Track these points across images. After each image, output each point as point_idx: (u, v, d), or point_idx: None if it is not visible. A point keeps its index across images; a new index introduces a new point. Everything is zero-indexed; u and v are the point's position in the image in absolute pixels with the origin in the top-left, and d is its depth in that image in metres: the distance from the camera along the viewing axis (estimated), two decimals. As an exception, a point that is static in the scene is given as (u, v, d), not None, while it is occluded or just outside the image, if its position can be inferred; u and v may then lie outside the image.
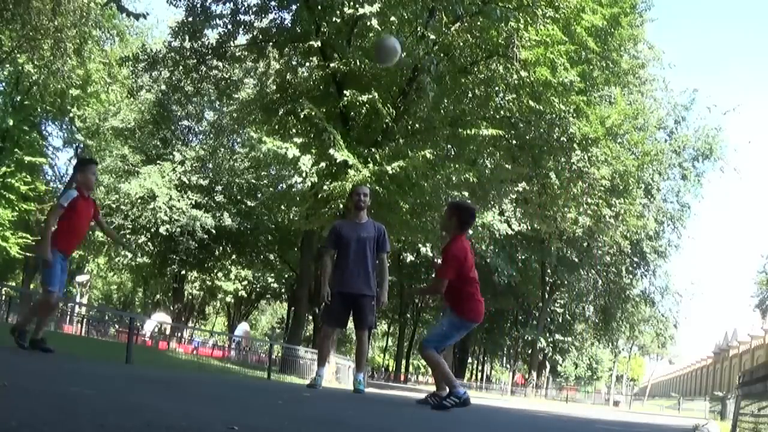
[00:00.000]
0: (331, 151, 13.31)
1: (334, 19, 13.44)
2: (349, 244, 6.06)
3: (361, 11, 12.59)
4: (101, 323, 28.70)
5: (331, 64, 14.26)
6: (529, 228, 24.62)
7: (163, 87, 21.61)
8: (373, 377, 37.18)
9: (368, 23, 13.01)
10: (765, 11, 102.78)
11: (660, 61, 25.15)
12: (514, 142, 16.51)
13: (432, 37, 12.65)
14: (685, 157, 28.30)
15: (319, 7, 13.27)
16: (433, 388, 5.61)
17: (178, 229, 25.91)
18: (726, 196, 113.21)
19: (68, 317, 27.17)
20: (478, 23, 13.54)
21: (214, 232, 26.67)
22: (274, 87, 17.78)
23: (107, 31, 24.38)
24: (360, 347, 6.33)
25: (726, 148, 28.04)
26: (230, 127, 26.10)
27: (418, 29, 12.65)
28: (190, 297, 35.84)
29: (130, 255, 27.61)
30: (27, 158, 25.48)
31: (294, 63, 17.15)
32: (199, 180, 27.24)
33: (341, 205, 14.36)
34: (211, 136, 28.68)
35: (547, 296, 34.97)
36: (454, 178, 14.94)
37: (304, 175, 14.24)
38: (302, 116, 16.00)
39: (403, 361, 44.01)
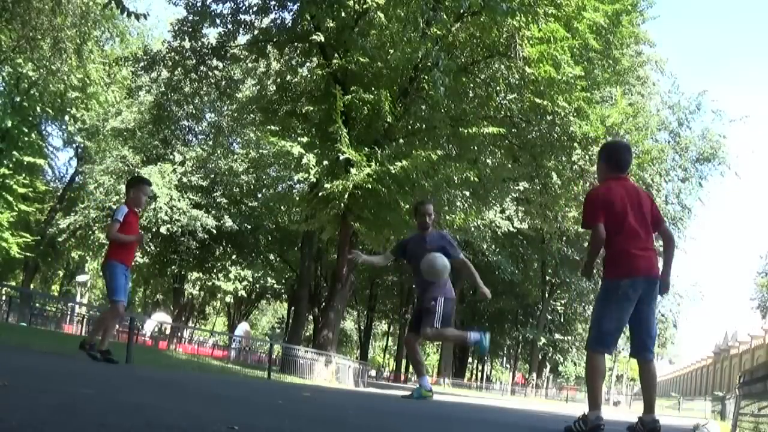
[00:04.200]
0: (338, 146, 13.33)
1: (337, 14, 13.43)
2: (418, 259, 6.25)
3: (366, 4, 12.61)
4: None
5: (333, 61, 14.27)
6: (530, 227, 24.65)
7: (163, 88, 21.61)
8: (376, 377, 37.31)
9: (373, 17, 13.00)
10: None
11: (662, 68, 25.13)
12: (514, 141, 16.50)
13: (436, 31, 12.64)
14: (688, 158, 28.24)
15: (325, 4, 13.24)
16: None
17: (179, 229, 25.90)
18: (726, 196, 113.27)
19: (68, 317, 27.20)
20: (480, 21, 13.54)
21: (214, 232, 26.68)
22: (274, 87, 17.79)
23: (107, 31, 24.38)
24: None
25: (728, 153, 27.98)
26: (230, 127, 26.15)
27: (421, 25, 12.64)
28: (190, 297, 35.82)
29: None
30: (26, 159, 25.50)
31: (294, 63, 17.15)
32: (199, 181, 27.24)
33: (342, 205, 14.38)
34: (211, 136, 28.71)
35: (547, 296, 34.99)
36: (455, 178, 14.94)
37: (308, 172, 14.25)
38: (304, 116, 16.04)
39: (404, 361, 43.99)
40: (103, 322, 6.42)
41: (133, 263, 6.53)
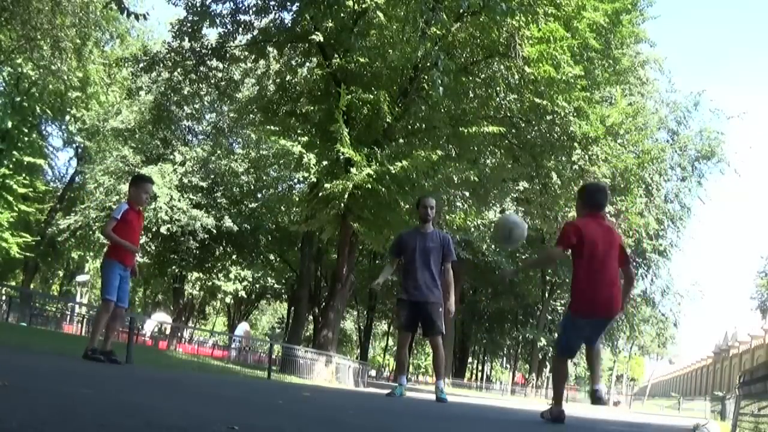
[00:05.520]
0: (338, 146, 13.33)
1: (336, 15, 13.42)
2: (414, 253, 6.23)
3: (365, 4, 12.61)
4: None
5: (333, 60, 14.27)
6: (530, 227, 24.62)
7: (163, 88, 21.59)
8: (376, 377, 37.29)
9: (372, 17, 13.00)
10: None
11: (661, 66, 25.13)
12: (514, 141, 16.51)
13: (436, 31, 12.64)
14: (687, 158, 28.24)
15: (324, 4, 13.25)
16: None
17: (179, 229, 25.90)
18: (726, 196, 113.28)
19: (68, 317, 27.20)
20: (479, 21, 13.53)
21: (214, 232, 26.67)
22: (274, 87, 17.79)
23: (107, 33, 24.39)
24: (436, 355, 6.47)
25: (727, 151, 27.94)
26: (230, 127, 26.13)
27: (420, 25, 12.65)
28: (190, 297, 35.81)
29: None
30: (26, 159, 25.52)
31: (294, 63, 17.15)
32: (199, 181, 27.24)
33: (342, 206, 14.38)
34: (211, 137, 28.70)
35: (547, 295, 34.98)
36: (455, 178, 14.93)
37: (309, 171, 14.26)
38: (303, 116, 16.04)
39: (403, 361, 43.94)
40: (96, 323, 6.40)
41: (134, 263, 6.43)
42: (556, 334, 36.62)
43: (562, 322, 4.59)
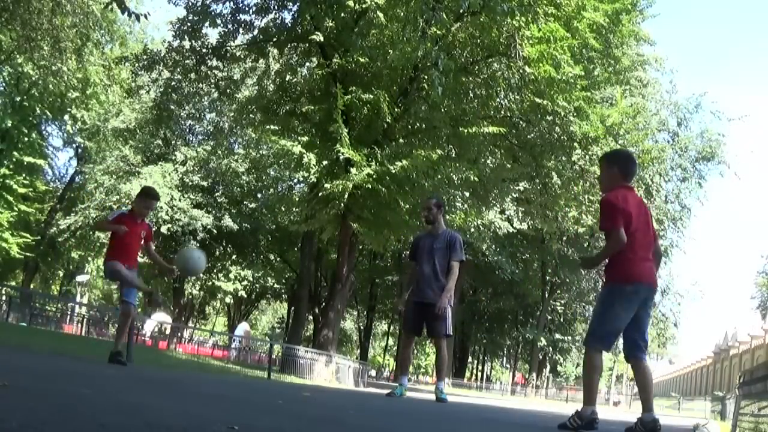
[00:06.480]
0: (338, 146, 13.34)
1: (336, 15, 13.42)
2: (423, 255, 6.28)
3: (365, 4, 12.61)
4: (101, 323, 28.66)
5: (333, 60, 14.27)
6: (530, 227, 24.62)
7: (163, 88, 21.59)
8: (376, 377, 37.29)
9: (373, 17, 13.00)
10: None
11: (661, 65, 25.11)
12: (514, 141, 16.50)
13: (436, 31, 12.65)
14: (687, 158, 28.22)
15: (324, 4, 13.23)
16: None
17: (179, 229, 25.90)
18: (726, 196, 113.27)
19: (68, 317, 27.19)
20: (479, 21, 13.53)
21: (214, 231, 26.66)
22: (274, 87, 17.79)
23: (107, 35, 24.40)
24: (439, 356, 6.48)
25: (727, 153, 27.91)
26: (230, 127, 26.15)
27: (421, 25, 12.65)
28: (190, 297, 35.80)
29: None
30: (26, 159, 25.56)
31: (294, 63, 17.16)
32: (200, 181, 27.23)
33: (342, 206, 14.39)
34: (212, 137, 28.70)
35: (547, 296, 34.98)
36: (455, 178, 14.91)
37: (309, 171, 14.26)
38: (303, 116, 16.05)
39: (404, 361, 43.94)
40: (120, 327, 6.52)
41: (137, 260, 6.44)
42: (556, 336, 36.72)
43: (603, 300, 3.98)
